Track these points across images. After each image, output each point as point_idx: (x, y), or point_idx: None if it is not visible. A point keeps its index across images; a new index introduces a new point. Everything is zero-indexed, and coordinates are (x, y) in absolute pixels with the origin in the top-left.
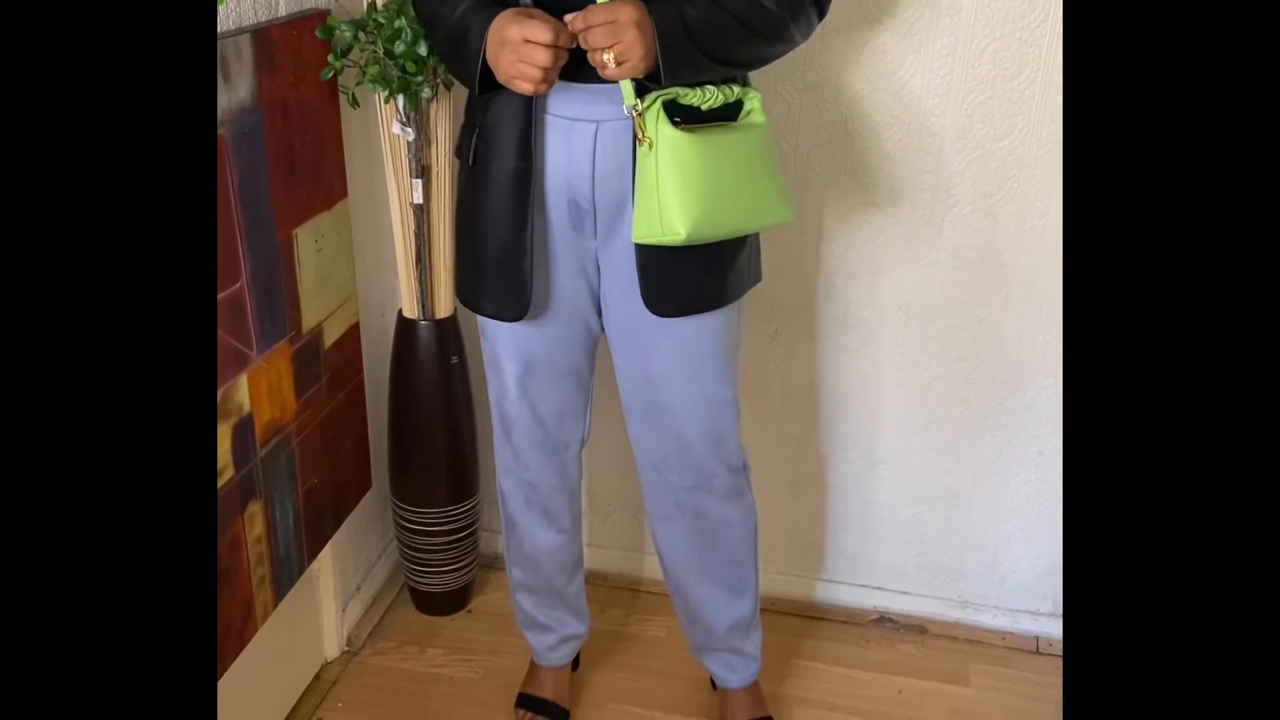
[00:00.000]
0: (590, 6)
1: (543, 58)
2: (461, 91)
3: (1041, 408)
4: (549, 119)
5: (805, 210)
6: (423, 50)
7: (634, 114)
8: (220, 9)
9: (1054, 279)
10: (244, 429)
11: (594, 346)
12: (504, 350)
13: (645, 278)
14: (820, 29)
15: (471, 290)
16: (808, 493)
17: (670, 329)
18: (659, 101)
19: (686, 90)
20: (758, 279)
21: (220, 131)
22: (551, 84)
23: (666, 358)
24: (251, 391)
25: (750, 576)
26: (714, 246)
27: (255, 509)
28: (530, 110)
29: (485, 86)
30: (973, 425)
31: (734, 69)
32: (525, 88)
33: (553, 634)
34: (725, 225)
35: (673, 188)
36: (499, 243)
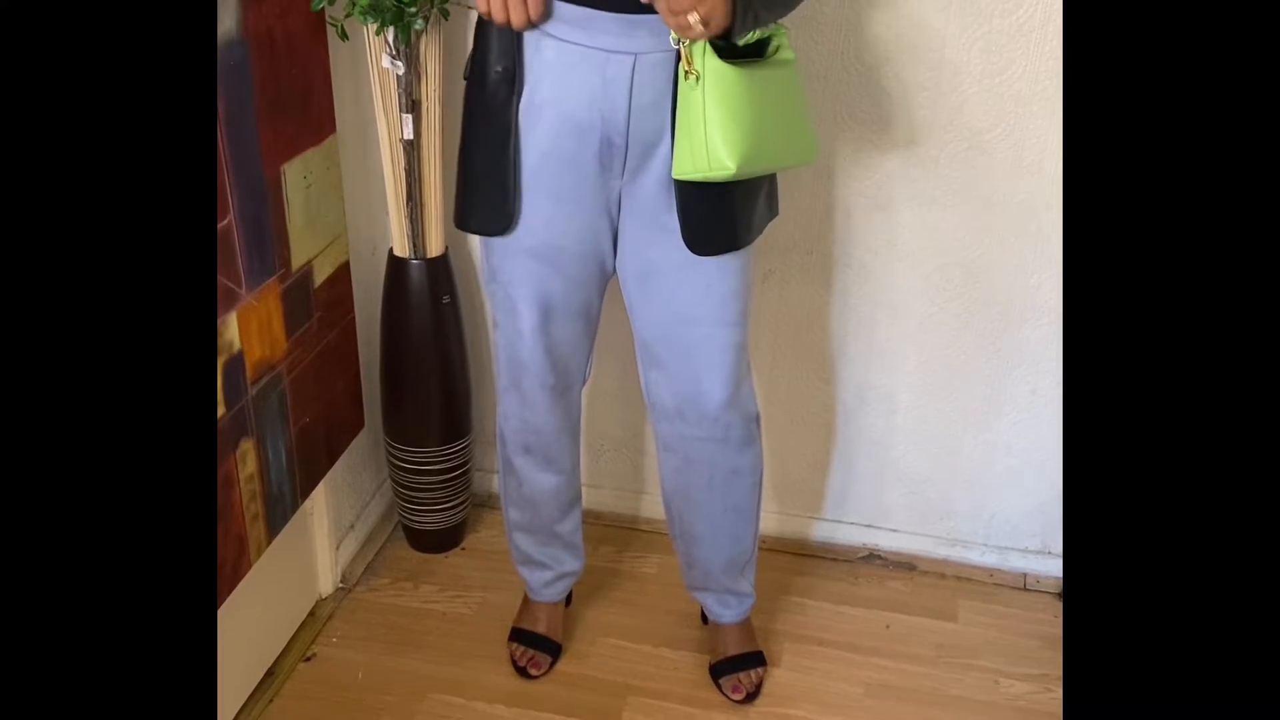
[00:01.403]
0: None
1: None
2: (455, 26)
3: (1035, 346)
4: (577, 49)
5: None
6: None
7: (681, 45)
8: None
9: (1049, 216)
10: (234, 367)
11: (605, 286)
12: (521, 294)
13: (686, 216)
14: None
15: (462, 209)
16: (799, 432)
17: (696, 268)
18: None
19: None
20: (776, 212)
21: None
22: (536, 17)
23: (689, 299)
24: (241, 329)
25: (751, 522)
26: (749, 182)
27: (247, 446)
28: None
29: None
30: (965, 364)
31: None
32: (498, 18)
33: (548, 571)
34: (766, 160)
35: (720, 121)
36: (483, 154)
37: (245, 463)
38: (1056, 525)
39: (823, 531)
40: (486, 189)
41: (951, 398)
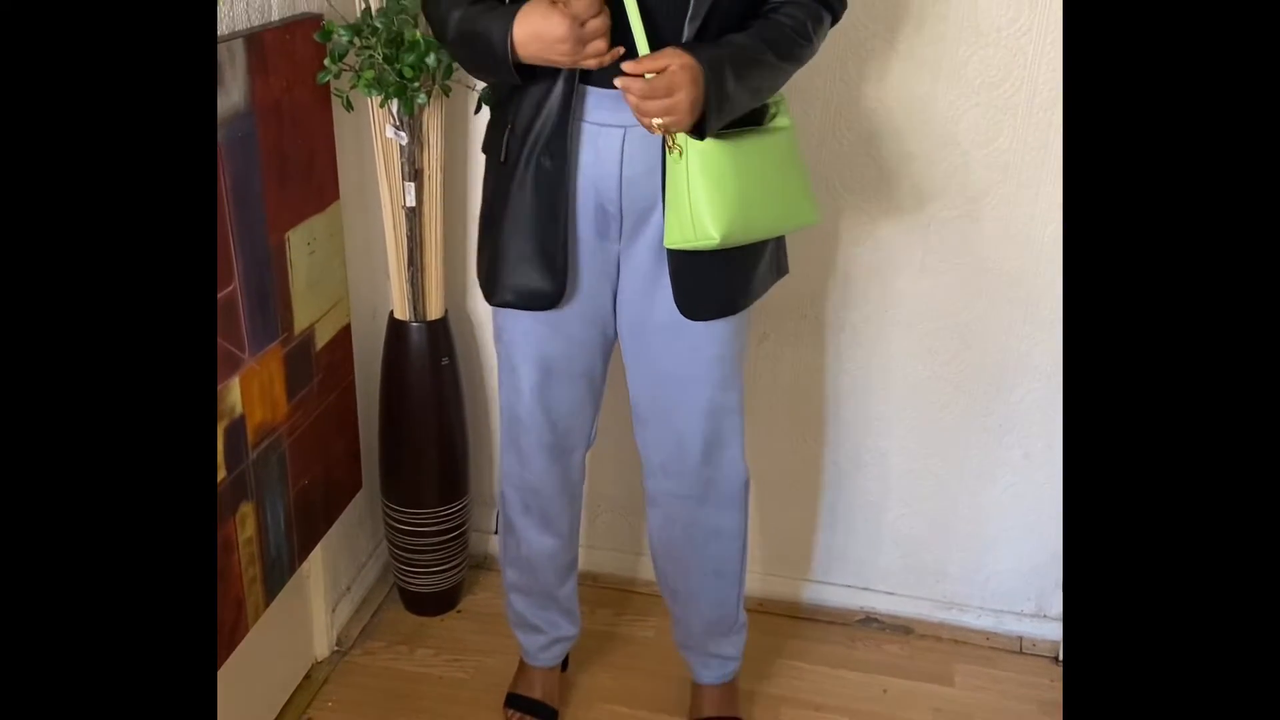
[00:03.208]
0: (650, 68)
1: (597, 25)
2: (456, 97)
3: (1027, 411)
4: (580, 125)
5: None
6: (432, 62)
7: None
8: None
9: (1038, 282)
10: (236, 431)
11: (609, 351)
12: (521, 354)
13: (678, 282)
14: None
15: (496, 282)
16: (795, 493)
17: (686, 330)
18: None
19: None
20: (784, 271)
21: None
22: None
23: (677, 359)
24: (244, 393)
25: (734, 586)
26: (748, 247)
27: (247, 510)
28: (566, 107)
29: (524, 74)
30: (958, 427)
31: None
32: (593, 62)
33: (544, 635)
34: (757, 228)
35: (704, 193)
36: (528, 234)
37: (244, 526)
38: (1051, 589)
39: (818, 594)
40: (527, 265)
41: (945, 460)
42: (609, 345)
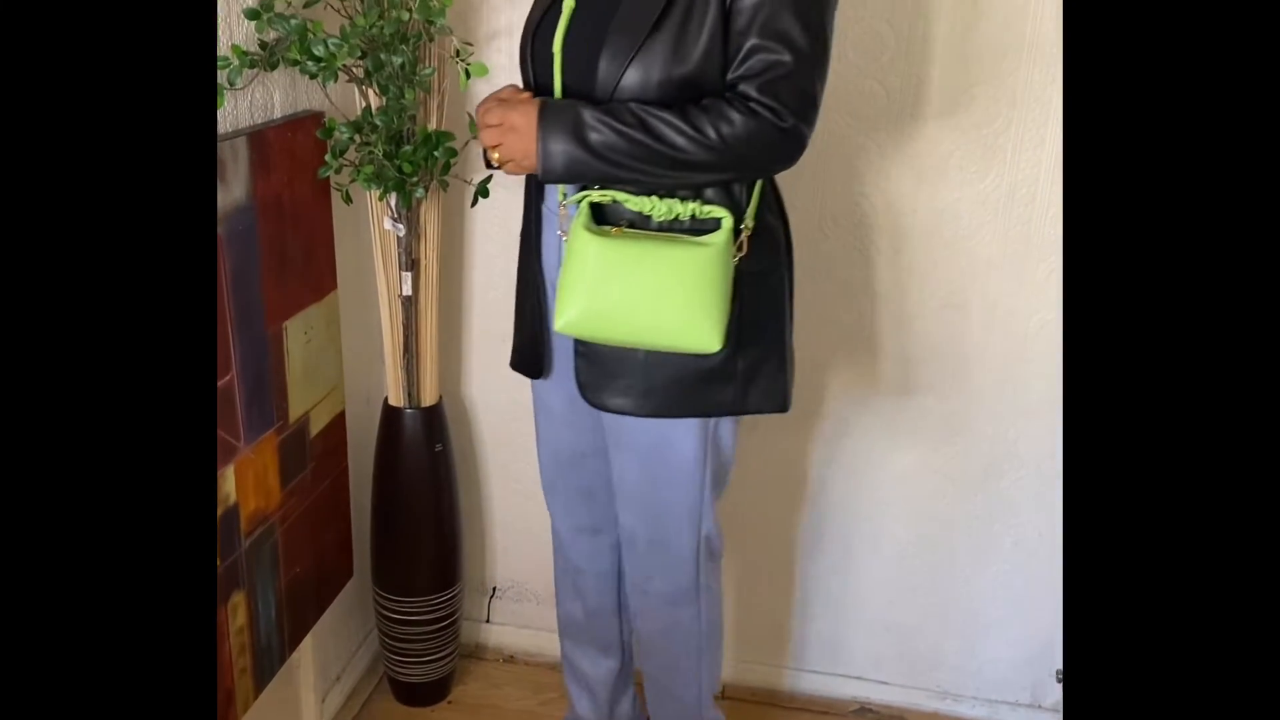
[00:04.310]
0: (490, 101)
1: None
2: (453, 190)
3: (1015, 499)
4: (541, 208)
5: None
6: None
7: (560, 209)
8: (217, 112)
9: (1024, 372)
10: (230, 520)
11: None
12: (539, 446)
13: (579, 361)
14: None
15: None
16: (784, 581)
17: (628, 427)
18: (586, 201)
19: (629, 196)
20: (763, 408)
21: (218, 230)
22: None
23: (620, 450)
24: (238, 482)
25: (692, 686)
26: (663, 355)
27: (238, 599)
28: (533, 192)
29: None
30: (947, 515)
31: (642, 185)
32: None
33: None
34: (616, 332)
35: (565, 281)
36: (519, 300)
37: (236, 615)
38: (1045, 678)
39: (813, 683)
40: (518, 337)
41: (936, 548)
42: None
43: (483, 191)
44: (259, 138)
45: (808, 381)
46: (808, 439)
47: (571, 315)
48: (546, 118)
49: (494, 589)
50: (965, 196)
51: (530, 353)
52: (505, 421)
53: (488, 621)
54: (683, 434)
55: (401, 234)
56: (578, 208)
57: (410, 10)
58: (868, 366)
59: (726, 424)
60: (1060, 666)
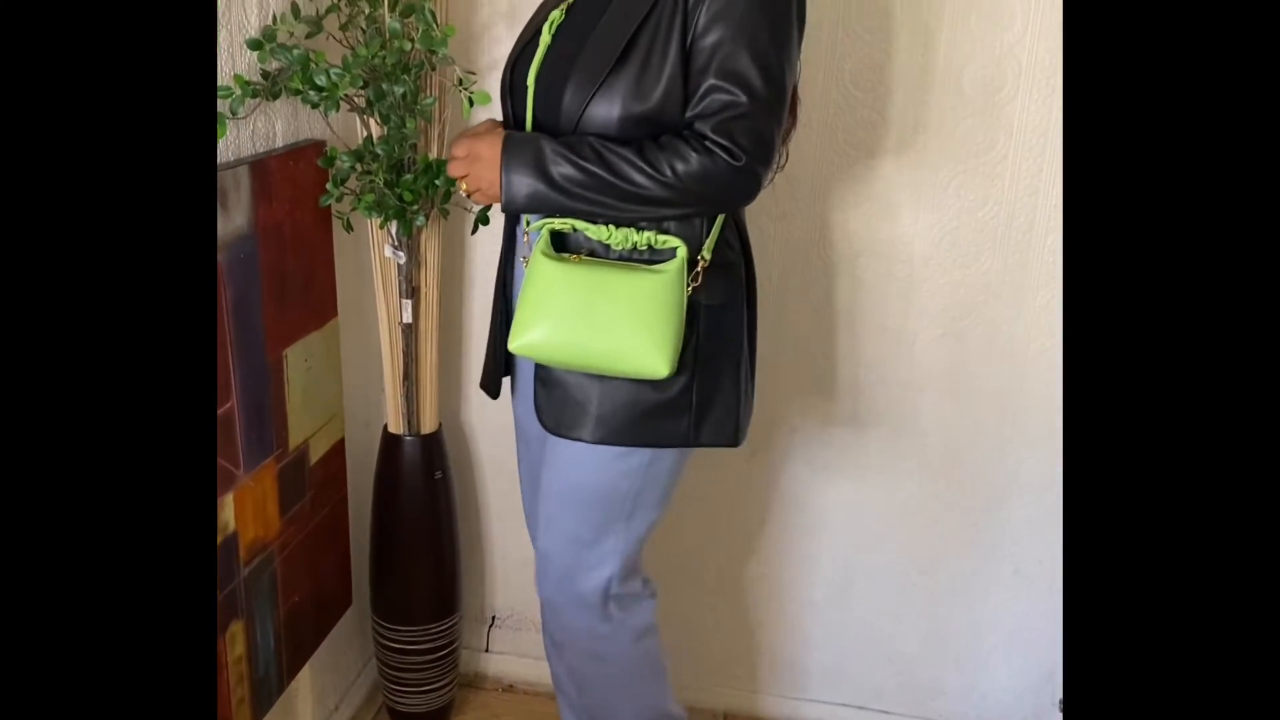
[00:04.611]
0: (463, 135)
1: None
2: (454, 218)
3: (1016, 527)
4: (516, 230)
5: (782, 332)
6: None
7: (523, 235)
8: (220, 141)
9: (1025, 399)
10: (229, 548)
11: None
12: (520, 475)
13: (537, 386)
14: (789, 165)
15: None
16: (785, 610)
17: (561, 449)
18: (547, 228)
19: (589, 225)
20: (714, 442)
21: (218, 258)
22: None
23: (550, 473)
24: (237, 511)
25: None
26: (617, 384)
27: (237, 629)
28: (508, 221)
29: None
30: (948, 544)
31: (601, 217)
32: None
33: None
34: (568, 355)
35: (521, 303)
36: (492, 328)
37: (234, 645)
38: (1047, 707)
39: (814, 713)
40: (489, 354)
41: (937, 577)
42: None
43: (483, 219)
44: (261, 166)
45: (806, 409)
46: (809, 466)
47: (525, 338)
48: (509, 150)
49: (493, 618)
50: (964, 224)
51: (493, 373)
52: (504, 448)
53: (487, 650)
54: (611, 461)
55: (402, 261)
56: (539, 234)
57: (412, 41)
58: (867, 394)
59: (667, 461)
60: (1061, 695)
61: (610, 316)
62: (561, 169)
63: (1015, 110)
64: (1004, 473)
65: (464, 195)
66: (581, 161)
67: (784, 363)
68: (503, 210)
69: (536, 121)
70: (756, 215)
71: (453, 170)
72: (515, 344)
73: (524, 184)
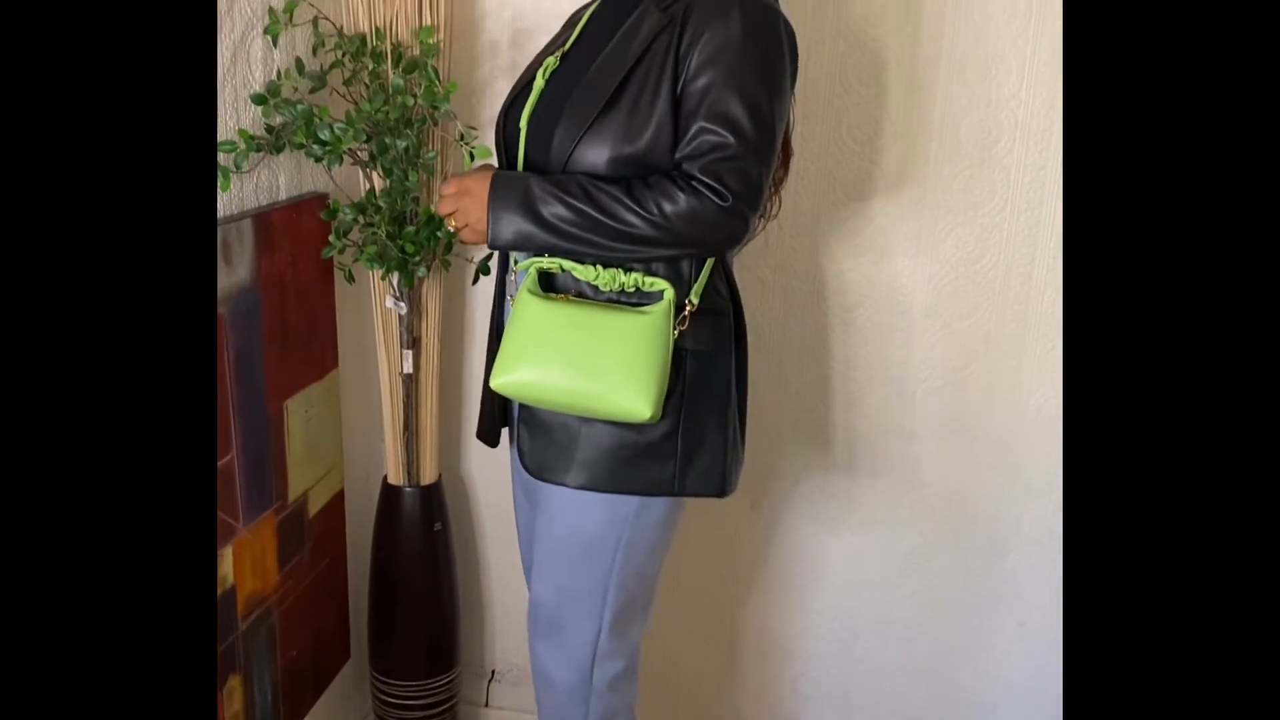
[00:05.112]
0: (452, 176)
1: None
2: (455, 269)
3: (1019, 579)
4: (508, 278)
5: (783, 381)
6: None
7: (511, 273)
8: (223, 195)
9: (1026, 450)
10: (227, 602)
11: None
12: (518, 529)
13: (521, 429)
14: (786, 215)
15: None
16: (790, 663)
17: (551, 496)
18: (534, 268)
19: (576, 265)
20: (700, 491)
21: (220, 311)
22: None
23: (541, 519)
24: (235, 564)
25: None
26: (601, 428)
27: (234, 683)
28: (504, 260)
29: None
30: (953, 595)
31: (588, 256)
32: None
33: None
34: (550, 394)
35: (505, 341)
36: (485, 377)
37: (231, 700)
38: None
39: None
40: (482, 404)
41: (941, 628)
42: None
43: (484, 269)
44: (264, 219)
45: (807, 460)
46: (813, 518)
47: (507, 376)
48: (497, 188)
49: (493, 672)
50: (962, 275)
51: (489, 421)
52: (504, 500)
53: (486, 705)
54: (598, 508)
55: (403, 312)
56: (526, 273)
57: (415, 96)
58: (867, 444)
59: (657, 510)
60: None
61: (594, 356)
62: (549, 207)
63: (1012, 162)
64: (1006, 524)
65: (451, 231)
66: (569, 199)
67: (784, 413)
68: (489, 248)
69: (528, 162)
70: (756, 265)
71: (442, 207)
72: (497, 381)
73: (511, 221)
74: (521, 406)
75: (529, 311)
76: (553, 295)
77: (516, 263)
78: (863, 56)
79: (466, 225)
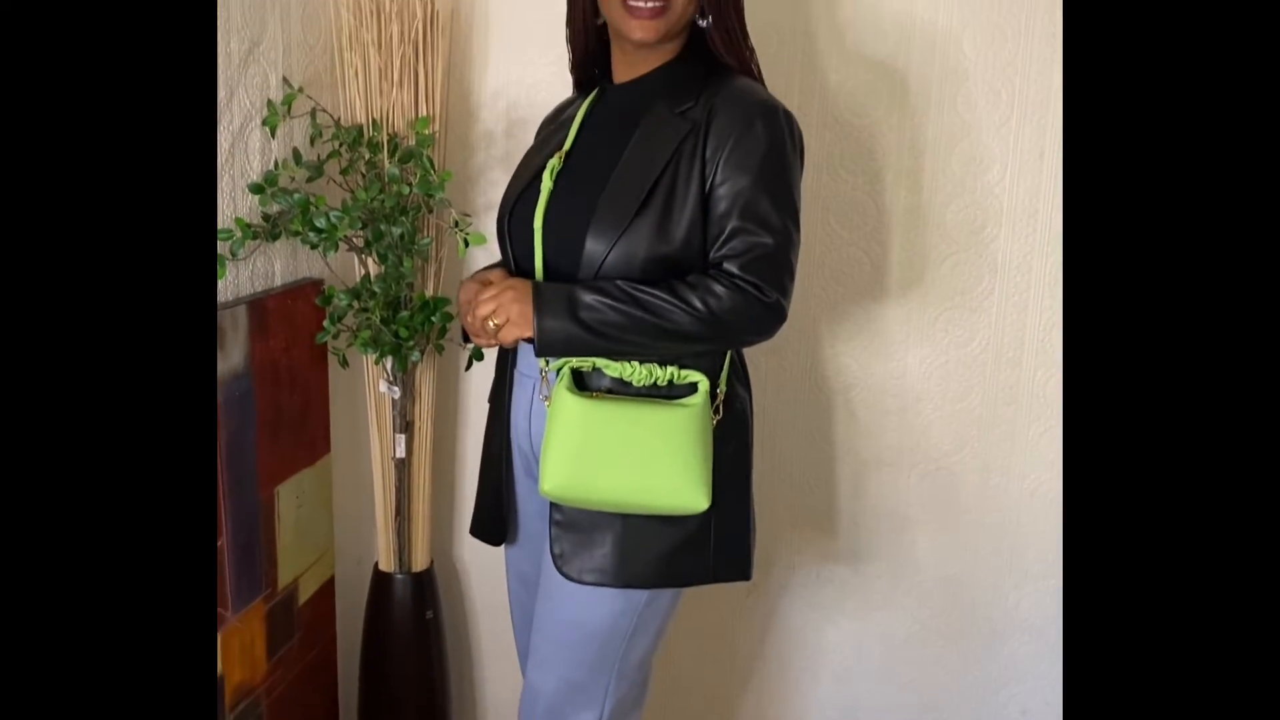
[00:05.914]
0: (472, 279)
1: (476, 313)
2: (448, 353)
3: (1019, 664)
4: (514, 372)
5: (776, 463)
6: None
7: (542, 373)
8: (219, 282)
9: (1020, 535)
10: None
11: None
12: (514, 620)
13: (554, 530)
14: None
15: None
16: None
17: (557, 585)
18: (567, 367)
19: (608, 362)
20: (728, 574)
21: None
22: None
23: (544, 607)
24: (224, 653)
25: None
26: (640, 524)
27: None
28: (504, 357)
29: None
30: (953, 682)
31: (632, 356)
32: (482, 341)
33: None
34: (602, 494)
35: (551, 445)
36: (484, 470)
37: None
38: None
39: None
40: (481, 500)
41: (944, 716)
42: None
43: (477, 355)
44: (259, 305)
45: (803, 545)
46: (808, 604)
47: (558, 479)
48: (541, 296)
49: None
50: (953, 359)
51: (492, 518)
52: (498, 587)
53: None
54: (612, 600)
55: (397, 396)
56: (558, 373)
57: (410, 185)
58: (863, 528)
59: (665, 597)
60: None
61: (644, 452)
62: (594, 313)
63: (999, 248)
64: (1004, 610)
65: (491, 330)
66: (614, 303)
67: (780, 497)
68: (537, 355)
69: (548, 264)
70: (750, 350)
71: (481, 308)
72: (547, 486)
73: (559, 329)
74: (553, 507)
75: (570, 412)
76: (589, 393)
77: (547, 361)
78: (850, 146)
79: (508, 320)
